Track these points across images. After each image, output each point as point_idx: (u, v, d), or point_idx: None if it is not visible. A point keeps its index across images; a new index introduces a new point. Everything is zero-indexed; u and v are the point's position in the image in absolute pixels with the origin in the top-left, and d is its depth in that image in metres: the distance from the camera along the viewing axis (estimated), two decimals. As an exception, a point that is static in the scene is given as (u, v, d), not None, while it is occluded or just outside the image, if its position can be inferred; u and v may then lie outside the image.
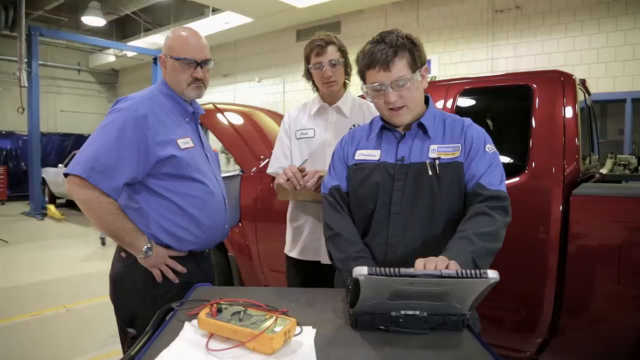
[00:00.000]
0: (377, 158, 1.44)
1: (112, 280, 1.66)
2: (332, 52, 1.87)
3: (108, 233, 1.54)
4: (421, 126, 1.42)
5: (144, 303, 1.56)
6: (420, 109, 1.44)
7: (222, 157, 11.23)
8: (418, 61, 1.37)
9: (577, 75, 2.46)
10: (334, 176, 1.54)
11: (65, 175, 1.52)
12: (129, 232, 1.52)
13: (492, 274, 0.92)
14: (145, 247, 1.52)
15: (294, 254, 2.03)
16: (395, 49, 1.33)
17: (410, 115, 1.41)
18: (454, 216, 1.36)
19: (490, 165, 1.36)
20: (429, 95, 1.49)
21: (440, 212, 1.35)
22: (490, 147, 1.40)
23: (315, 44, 1.87)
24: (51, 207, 9.36)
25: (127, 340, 1.65)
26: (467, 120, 1.45)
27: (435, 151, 1.38)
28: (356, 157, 1.49)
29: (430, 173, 1.35)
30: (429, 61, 7.88)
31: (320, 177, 1.67)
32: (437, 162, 1.36)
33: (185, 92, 1.66)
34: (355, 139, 1.55)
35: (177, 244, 1.60)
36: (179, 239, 1.60)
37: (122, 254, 1.61)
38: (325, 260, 1.94)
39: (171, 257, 1.59)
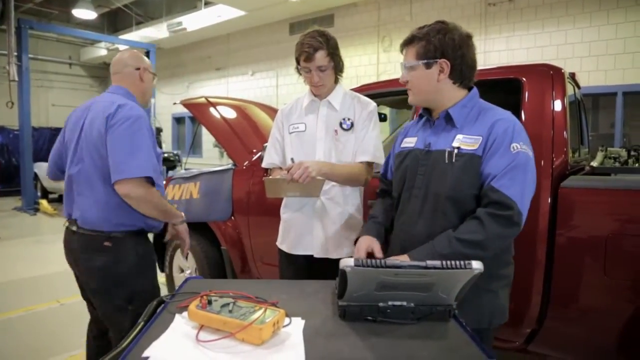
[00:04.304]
0: (413, 145, 1.56)
1: (102, 269, 1.79)
2: (320, 58, 1.85)
3: (160, 214, 1.84)
4: (449, 115, 1.46)
5: (142, 279, 1.85)
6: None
7: (216, 151, 11.23)
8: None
9: (569, 68, 2.48)
10: (384, 165, 1.77)
11: (122, 178, 1.71)
12: (172, 208, 1.92)
13: (476, 265, 0.94)
14: (183, 216, 1.99)
15: (284, 247, 2.04)
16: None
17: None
18: (463, 207, 1.39)
19: (508, 166, 1.33)
20: (474, 87, 1.52)
21: (447, 200, 1.40)
22: (517, 147, 1.35)
23: (304, 50, 1.85)
24: (43, 202, 9.30)
25: (125, 321, 1.78)
26: (502, 114, 1.44)
27: (459, 140, 1.41)
28: (401, 145, 1.64)
29: (446, 161, 1.40)
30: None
31: (307, 168, 1.69)
32: (455, 151, 1.39)
33: (148, 102, 2.00)
34: (406, 128, 1.69)
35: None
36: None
37: (106, 243, 1.77)
38: (317, 254, 1.96)
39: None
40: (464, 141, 1.41)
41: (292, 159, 1.83)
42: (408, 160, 1.54)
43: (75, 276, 2.05)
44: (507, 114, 1.46)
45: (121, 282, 1.78)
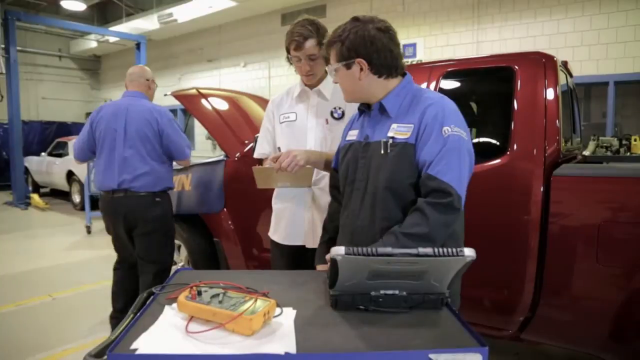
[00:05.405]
0: (354, 138, 1.54)
1: (158, 216, 2.75)
2: (310, 47, 1.83)
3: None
4: (382, 106, 1.45)
5: (172, 219, 2.94)
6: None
7: (208, 143, 11.17)
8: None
9: (561, 58, 2.47)
10: (334, 158, 1.71)
11: (184, 158, 2.89)
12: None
13: (469, 252, 0.93)
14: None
15: (276, 237, 2.03)
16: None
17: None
18: (401, 197, 1.38)
19: (441, 150, 1.31)
20: (408, 73, 1.51)
21: (386, 191, 1.38)
22: (448, 130, 1.33)
23: (294, 38, 1.83)
24: (35, 196, 9.22)
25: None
26: (433, 98, 1.43)
27: (394, 130, 1.41)
28: (346, 138, 1.61)
29: (382, 152, 1.40)
30: (415, 44, 7.88)
31: (295, 157, 1.67)
32: (390, 141, 1.39)
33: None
34: (350, 121, 1.66)
35: None
36: None
37: (157, 199, 2.74)
38: (309, 244, 1.95)
39: None
40: (398, 130, 1.40)
41: (279, 148, 1.82)
42: (350, 153, 1.53)
43: (113, 232, 2.89)
44: (438, 98, 1.44)
45: (166, 222, 2.83)
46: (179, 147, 2.79)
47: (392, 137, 1.40)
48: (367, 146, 1.46)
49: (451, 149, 1.32)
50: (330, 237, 1.65)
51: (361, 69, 1.42)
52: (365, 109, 1.53)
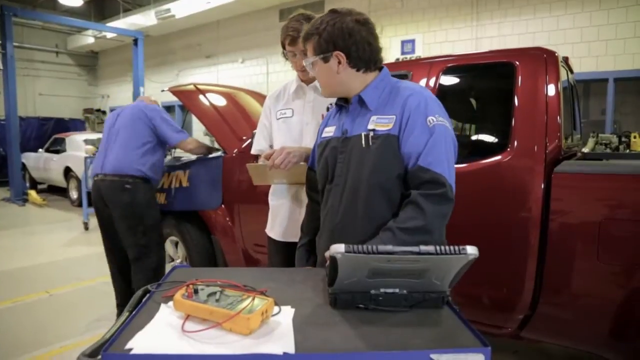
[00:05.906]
0: (332, 134, 1.51)
1: (126, 202, 2.89)
2: None
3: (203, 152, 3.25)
4: (361, 99, 1.43)
5: (148, 211, 3.00)
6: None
7: (206, 140, 11.13)
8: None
9: (561, 54, 2.45)
10: (310, 157, 1.66)
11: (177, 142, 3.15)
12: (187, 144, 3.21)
13: (471, 250, 0.91)
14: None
15: (273, 234, 2.02)
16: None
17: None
18: (387, 191, 1.35)
19: (429, 141, 1.30)
20: (385, 67, 1.49)
21: (369, 185, 1.35)
22: (433, 120, 1.32)
23: (288, 33, 1.81)
24: (32, 193, 9.18)
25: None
26: (413, 89, 1.41)
27: (374, 122, 1.38)
28: (322, 136, 1.57)
29: (363, 145, 1.37)
30: (413, 40, 7.86)
31: (289, 154, 1.65)
32: (371, 134, 1.36)
33: None
34: (326, 118, 1.62)
35: None
36: None
37: (127, 185, 2.89)
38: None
39: None
40: (378, 122, 1.38)
41: (271, 146, 1.81)
42: (327, 150, 1.49)
43: (100, 219, 3.12)
44: (418, 88, 1.43)
45: (136, 211, 2.93)
46: (167, 133, 3.07)
47: (373, 130, 1.37)
48: (347, 141, 1.43)
49: (438, 139, 1.31)
50: (309, 240, 1.63)
51: (339, 62, 1.39)
52: (342, 103, 1.50)
